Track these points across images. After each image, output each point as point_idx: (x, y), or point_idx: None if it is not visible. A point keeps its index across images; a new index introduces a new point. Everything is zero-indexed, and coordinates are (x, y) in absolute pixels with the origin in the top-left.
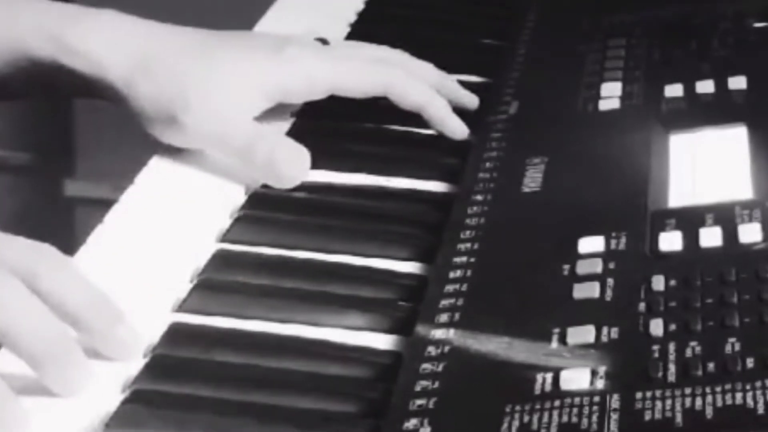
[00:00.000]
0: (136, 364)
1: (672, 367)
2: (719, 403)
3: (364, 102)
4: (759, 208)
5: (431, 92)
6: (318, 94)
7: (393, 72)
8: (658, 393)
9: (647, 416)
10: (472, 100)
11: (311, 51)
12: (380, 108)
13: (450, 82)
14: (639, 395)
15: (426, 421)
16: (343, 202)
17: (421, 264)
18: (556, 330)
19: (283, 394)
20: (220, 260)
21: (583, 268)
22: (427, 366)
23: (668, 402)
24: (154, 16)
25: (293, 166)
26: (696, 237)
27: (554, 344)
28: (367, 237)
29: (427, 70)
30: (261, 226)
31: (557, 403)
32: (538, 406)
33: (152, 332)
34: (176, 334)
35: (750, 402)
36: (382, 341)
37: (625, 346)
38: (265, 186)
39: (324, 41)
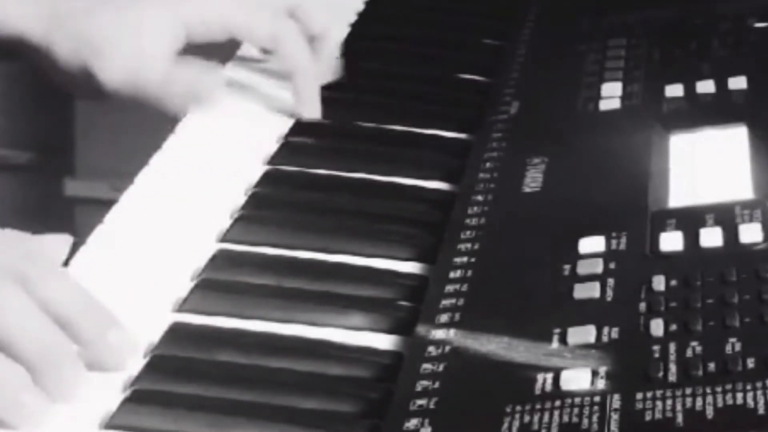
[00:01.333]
0: (136, 364)
1: (672, 367)
2: (720, 403)
3: (365, 100)
4: (759, 208)
5: (307, 64)
6: (218, 33)
7: (283, 31)
8: (658, 393)
9: (648, 416)
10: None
11: None
12: (380, 108)
13: (327, 44)
14: (639, 395)
15: (426, 421)
16: (343, 202)
17: (421, 264)
18: (557, 330)
19: (283, 394)
20: (220, 260)
21: (583, 268)
22: (427, 366)
23: (669, 402)
24: None
25: (212, 93)
26: (696, 237)
27: (555, 344)
28: (368, 237)
29: (319, 20)
30: (261, 226)
31: (558, 403)
32: (538, 406)
33: (152, 332)
34: (176, 334)
35: (750, 402)
36: (383, 341)
37: (625, 346)
38: (265, 186)
39: None
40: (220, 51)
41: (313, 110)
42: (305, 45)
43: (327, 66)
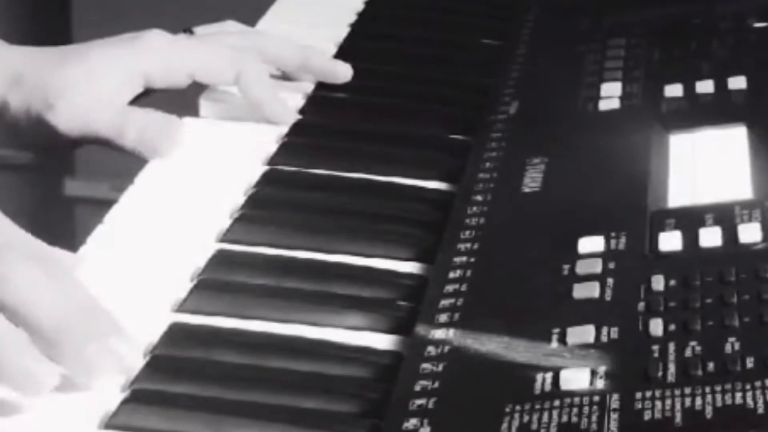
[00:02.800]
0: (137, 364)
1: (672, 367)
2: (719, 403)
3: (365, 101)
4: (759, 208)
5: (272, 92)
6: (178, 79)
7: (245, 64)
8: (657, 393)
9: (647, 416)
10: (345, 71)
11: (169, 38)
12: (380, 108)
13: (317, 57)
14: (639, 395)
15: (426, 421)
16: (343, 202)
17: (421, 264)
18: (556, 330)
19: (283, 394)
20: (220, 260)
21: (583, 268)
22: (427, 366)
23: (668, 402)
24: (155, 16)
25: (166, 137)
26: (696, 237)
27: (554, 344)
28: (368, 237)
29: (287, 52)
30: (261, 226)
31: (557, 403)
32: (538, 406)
33: (152, 332)
34: (176, 334)
35: (750, 402)
36: (383, 341)
37: (624, 346)
38: (265, 186)
39: (189, 31)
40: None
41: (281, 112)
42: (268, 80)
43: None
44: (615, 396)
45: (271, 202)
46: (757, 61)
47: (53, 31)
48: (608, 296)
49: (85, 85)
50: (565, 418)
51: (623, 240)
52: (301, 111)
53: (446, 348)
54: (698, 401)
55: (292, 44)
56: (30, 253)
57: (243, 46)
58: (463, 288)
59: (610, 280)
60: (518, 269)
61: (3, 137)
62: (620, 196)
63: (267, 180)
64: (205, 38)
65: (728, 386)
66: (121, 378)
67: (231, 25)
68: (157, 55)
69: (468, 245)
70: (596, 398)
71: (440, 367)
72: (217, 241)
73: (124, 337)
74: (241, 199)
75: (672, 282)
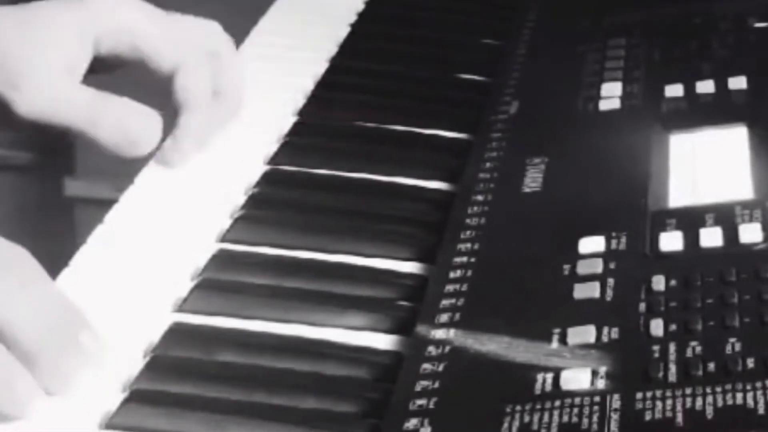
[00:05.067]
0: (136, 364)
1: (672, 367)
2: (719, 403)
3: (365, 101)
4: (759, 208)
5: (201, 105)
6: (124, 48)
7: (188, 61)
8: (658, 393)
9: (647, 416)
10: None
11: (130, 3)
12: (380, 108)
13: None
14: (639, 395)
15: (426, 421)
16: (344, 202)
17: (421, 264)
18: (557, 330)
19: (283, 394)
20: (220, 260)
21: (583, 268)
22: (427, 366)
23: (668, 402)
24: None
25: (146, 133)
26: (696, 237)
27: (554, 344)
28: (368, 237)
29: (238, 69)
30: (261, 226)
31: (557, 403)
32: (538, 406)
33: (152, 332)
34: (176, 334)
35: (750, 402)
36: (383, 341)
37: (625, 346)
38: (265, 186)
39: None
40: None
41: (187, 152)
42: (207, 85)
43: (224, 114)
44: (616, 396)
45: (272, 202)
46: (757, 61)
47: None
48: (609, 296)
49: (50, 56)
50: (565, 419)
51: (624, 240)
52: (301, 111)
53: (447, 348)
54: (699, 401)
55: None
56: (3, 263)
57: (200, 45)
58: (464, 288)
59: (610, 280)
60: (519, 269)
61: None
62: (621, 196)
63: (267, 180)
64: (169, 15)
65: (729, 386)
66: (94, 374)
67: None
68: (113, 18)
69: (468, 245)
70: (597, 398)
71: (441, 367)
72: (218, 241)
73: (91, 332)
74: (241, 199)
75: (672, 282)
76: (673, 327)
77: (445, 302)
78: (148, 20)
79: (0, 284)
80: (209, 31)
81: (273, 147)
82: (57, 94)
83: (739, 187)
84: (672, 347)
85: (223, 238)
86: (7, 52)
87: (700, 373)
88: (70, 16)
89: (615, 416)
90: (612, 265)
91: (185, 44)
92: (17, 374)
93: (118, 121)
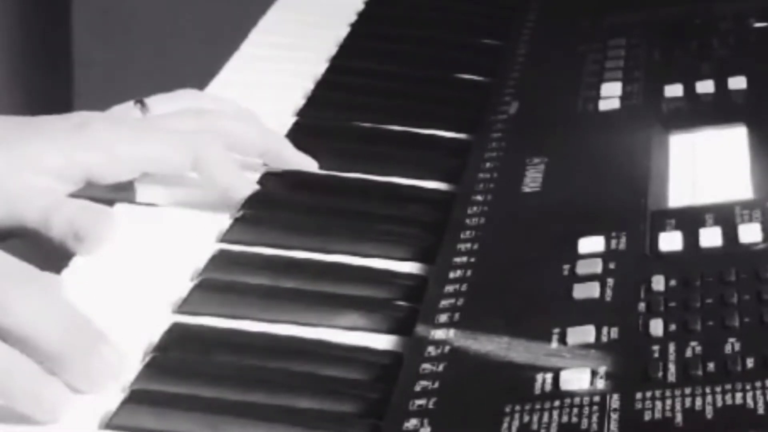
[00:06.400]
0: (136, 364)
1: (672, 367)
2: (719, 403)
3: (365, 101)
4: (759, 208)
5: (235, 175)
6: (125, 173)
7: (203, 148)
8: (658, 393)
9: (647, 416)
10: (310, 165)
11: (117, 128)
12: (380, 108)
13: (281, 147)
14: (639, 395)
15: (426, 421)
16: (343, 202)
17: (421, 264)
18: (556, 330)
19: (283, 394)
20: (220, 260)
21: (583, 268)
22: (427, 366)
23: (668, 402)
24: (156, 16)
25: (96, 231)
26: (696, 237)
27: (554, 344)
28: (367, 237)
29: (250, 138)
30: (261, 226)
31: (557, 403)
32: (538, 406)
33: (152, 332)
34: (176, 334)
35: (750, 402)
36: (382, 341)
37: (625, 346)
38: (265, 186)
39: (141, 103)
40: None
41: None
42: (229, 162)
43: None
44: (615, 396)
45: (271, 202)
46: (757, 61)
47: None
48: (608, 296)
49: (20, 174)
50: (565, 419)
51: (623, 240)
52: (301, 111)
53: (446, 348)
54: (698, 401)
55: (256, 129)
56: (22, 277)
57: (200, 128)
58: (463, 288)
59: (610, 280)
60: (518, 269)
61: None
62: (620, 196)
63: (267, 180)
64: (157, 122)
65: (728, 386)
66: (116, 383)
67: (188, 95)
68: (103, 148)
69: (468, 245)
70: (596, 398)
71: (440, 368)
72: (217, 241)
73: (112, 346)
74: (241, 199)
75: (672, 282)
76: (672, 327)
77: (444, 302)
78: (143, 140)
79: (23, 298)
80: (198, 117)
81: None
82: (16, 201)
83: (739, 187)
84: (671, 347)
85: (223, 239)
86: None
87: (700, 373)
88: (57, 150)
89: (614, 416)
90: (612, 265)
91: (189, 143)
92: (42, 382)
93: (69, 220)
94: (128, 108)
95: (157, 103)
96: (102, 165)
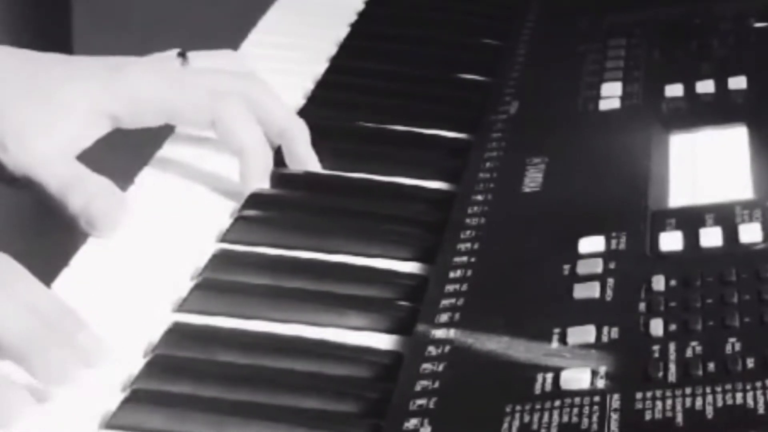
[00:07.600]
0: (136, 364)
1: (672, 367)
2: (719, 403)
3: (365, 101)
4: (759, 208)
5: (255, 143)
6: (149, 121)
7: (226, 108)
8: (658, 393)
9: (647, 416)
10: (315, 165)
11: (149, 75)
12: (381, 108)
13: (299, 135)
14: (639, 395)
15: (426, 421)
16: (343, 202)
17: (421, 264)
18: (557, 330)
19: (283, 394)
20: (220, 260)
21: (583, 268)
22: (427, 366)
23: (668, 402)
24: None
25: (109, 218)
26: (696, 237)
27: (554, 344)
28: (368, 237)
29: (276, 112)
30: (261, 226)
31: (557, 403)
32: (538, 406)
33: (152, 332)
34: (176, 334)
35: (750, 402)
36: (383, 341)
37: (625, 346)
38: (265, 186)
39: (183, 56)
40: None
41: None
42: (251, 123)
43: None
44: (615, 396)
45: (271, 202)
46: (757, 61)
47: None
48: (609, 296)
49: (45, 131)
50: (565, 419)
51: (624, 240)
52: (301, 111)
53: (447, 348)
54: (699, 401)
55: (283, 106)
56: None
57: (231, 89)
58: (464, 288)
59: (610, 280)
60: (518, 269)
61: None
62: (620, 196)
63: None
64: (191, 75)
65: (729, 386)
66: (94, 373)
67: (228, 55)
68: (131, 95)
69: (468, 245)
70: (597, 398)
71: (441, 367)
72: (217, 241)
73: (89, 332)
74: (241, 199)
75: (672, 282)
76: (672, 327)
77: (445, 302)
78: (171, 89)
79: None
80: (232, 78)
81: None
82: (39, 164)
83: (739, 187)
84: (672, 347)
85: (223, 238)
86: (7, 117)
87: (700, 372)
88: (84, 94)
89: (615, 416)
90: (612, 265)
91: (214, 102)
92: (6, 385)
93: (89, 200)
94: (170, 57)
95: (198, 57)
96: (127, 112)
